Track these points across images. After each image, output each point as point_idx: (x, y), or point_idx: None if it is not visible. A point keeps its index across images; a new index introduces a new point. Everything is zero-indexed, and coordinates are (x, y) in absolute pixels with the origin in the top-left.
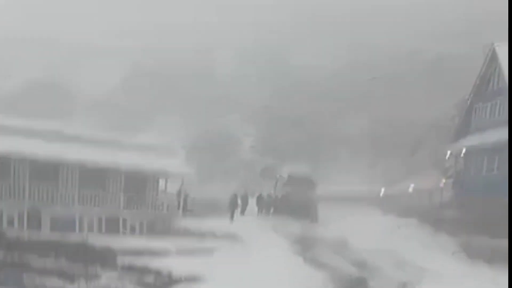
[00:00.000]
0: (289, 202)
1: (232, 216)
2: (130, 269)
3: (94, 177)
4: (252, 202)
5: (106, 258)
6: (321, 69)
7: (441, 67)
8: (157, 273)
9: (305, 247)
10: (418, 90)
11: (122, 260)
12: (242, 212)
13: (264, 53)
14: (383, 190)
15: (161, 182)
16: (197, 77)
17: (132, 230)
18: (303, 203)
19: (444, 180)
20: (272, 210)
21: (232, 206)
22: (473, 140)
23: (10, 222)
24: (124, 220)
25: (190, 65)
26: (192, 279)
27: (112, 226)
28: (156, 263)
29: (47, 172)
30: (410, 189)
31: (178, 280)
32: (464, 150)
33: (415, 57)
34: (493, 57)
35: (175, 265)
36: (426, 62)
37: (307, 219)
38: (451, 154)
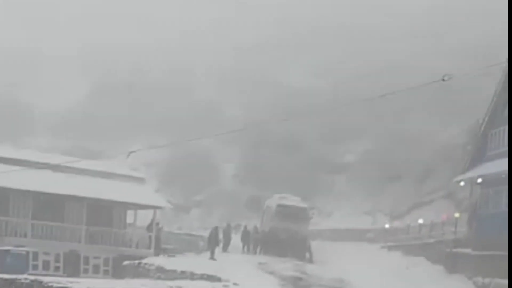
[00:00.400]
0: (278, 237)
1: (212, 254)
2: None
3: (51, 206)
4: (236, 238)
5: None
6: (313, 87)
7: (450, 87)
8: None
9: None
10: (426, 111)
11: None
12: (225, 248)
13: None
14: (387, 224)
15: (130, 214)
16: (173, 95)
17: (95, 269)
18: (295, 239)
19: (457, 214)
20: (259, 247)
21: (213, 242)
22: (490, 168)
23: None
24: (86, 258)
25: (165, 83)
26: None
27: (72, 264)
28: None
29: None
30: (419, 223)
31: None
32: (479, 180)
33: (423, 76)
34: (509, 77)
35: None
36: (435, 82)
37: (299, 258)
38: (464, 183)
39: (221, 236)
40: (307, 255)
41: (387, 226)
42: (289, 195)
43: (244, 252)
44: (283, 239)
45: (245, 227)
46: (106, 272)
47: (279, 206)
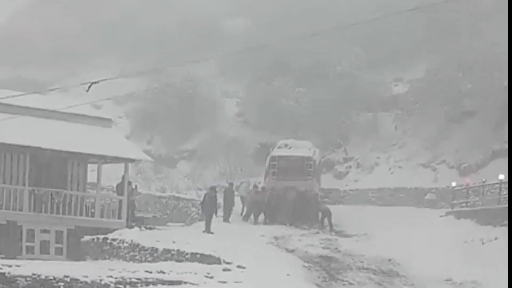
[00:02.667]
0: (281, 200)
1: (208, 225)
2: None
3: None
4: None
5: None
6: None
7: None
8: None
9: (334, 274)
10: (505, 24)
11: None
12: (226, 217)
13: None
14: (454, 181)
15: (92, 170)
16: (148, 5)
17: (44, 247)
18: (296, 200)
19: None
20: (262, 214)
21: (209, 208)
22: None
23: None
24: (30, 232)
25: None
26: None
27: (10, 240)
28: None
29: None
30: (500, 179)
31: None
32: None
33: None
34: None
35: None
36: None
37: (308, 226)
38: None
39: (220, 200)
40: (324, 222)
41: (454, 184)
42: (295, 140)
43: (246, 220)
44: (281, 200)
45: (230, 183)
46: (58, 251)
47: (272, 158)
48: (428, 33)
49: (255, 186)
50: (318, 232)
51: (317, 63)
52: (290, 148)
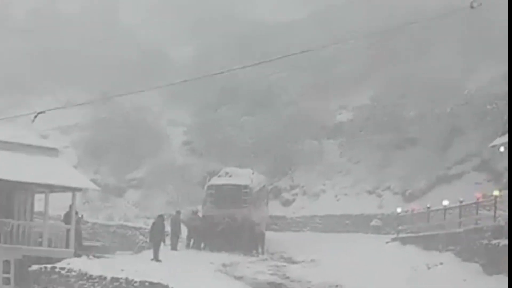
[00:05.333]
0: (219, 227)
1: (156, 253)
2: None
3: None
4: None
5: None
6: (290, 21)
7: (481, 17)
8: None
9: None
10: (448, 49)
11: None
12: (173, 245)
13: None
14: (399, 207)
15: (39, 199)
16: (96, 35)
17: None
18: (234, 227)
19: (497, 192)
20: (192, 239)
21: (157, 237)
22: None
23: None
24: None
25: (84, 18)
26: None
27: None
28: None
29: None
30: (443, 205)
31: None
32: None
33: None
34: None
35: None
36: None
37: (245, 252)
38: (505, 149)
39: (168, 228)
40: (259, 249)
41: (399, 210)
42: (236, 168)
43: (194, 248)
44: (219, 228)
45: (177, 212)
46: (6, 281)
47: (210, 186)
48: (373, 61)
49: (194, 213)
50: (266, 259)
51: (263, 90)
52: (230, 176)
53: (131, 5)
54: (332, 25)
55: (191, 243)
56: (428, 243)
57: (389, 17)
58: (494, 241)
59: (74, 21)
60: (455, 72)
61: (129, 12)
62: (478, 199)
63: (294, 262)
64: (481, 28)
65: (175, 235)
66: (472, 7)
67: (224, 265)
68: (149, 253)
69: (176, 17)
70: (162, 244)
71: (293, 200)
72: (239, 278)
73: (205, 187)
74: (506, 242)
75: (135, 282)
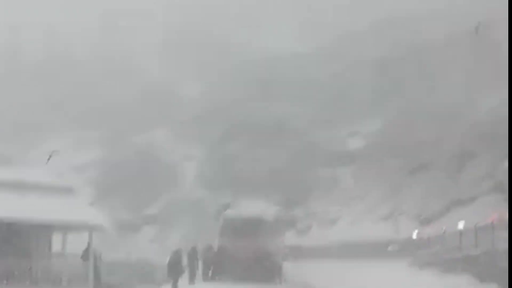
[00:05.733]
0: (236, 259)
1: (173, 287)
2: None
3: None
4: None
5: None
6: (299, 56)
7: (488, 41)
8: None
9: None
10: (458, 75)
11: None
12: (191, 280)
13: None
14: (415, 231)
15: (56, 238)
16: (107, 77)
17: None
18: (253, 259)
19: None
20: (210, 272)
21: (175, 272)
22: None
23: None
24: None
25: (96, 61)
26: None
27: None
28: None
29: None
30: (459, 228)
31: None
32: None
33: (448, 27)
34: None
35: None
36: (466, 31)
37: (266, 284)
38: None
39: (185, 262)
40: (276, 279)
41: (415, 234)
42: (250, 200)
43: (207, 280)
44: (235, 260)
45: (193, 247)
46: None
47: (226, 220)
48: (381, 88)
49: (209, 246)
50: None
51: (273, 122)
52: (244, 208)
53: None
54: (340, 55)
55: (208, 276)
56: (445, 266)
57: (398, 45)
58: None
59: (86, 65)
60: (464, 95)
61: (135, 53)
62: (493, 220)
63: None
64: (487, 51)
65: (192, 269)
66: (477, 32)
67: None
68: None
69: (182, 55)
70: (180, 279)
71: (309, 229)
72: None
73: (220, 220)
74: None
75: None
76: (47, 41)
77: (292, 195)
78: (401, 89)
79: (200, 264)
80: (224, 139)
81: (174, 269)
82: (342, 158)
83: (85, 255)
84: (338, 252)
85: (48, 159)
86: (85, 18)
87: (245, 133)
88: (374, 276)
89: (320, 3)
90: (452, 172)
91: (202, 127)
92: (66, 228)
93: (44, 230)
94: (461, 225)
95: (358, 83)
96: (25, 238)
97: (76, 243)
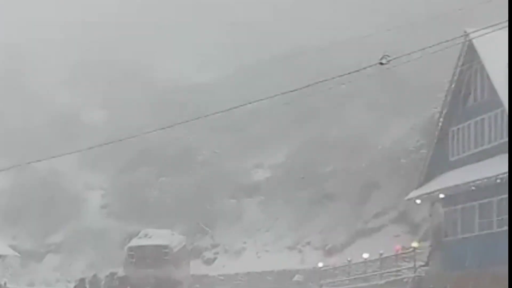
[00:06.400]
0: (130, 286)
1: None
2: None
3: None
4: None
5: None
6: (203, 82)
7: (392, 73)
8: None
9: None
10: (362, 106)
11: None
12: None
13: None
14: (321, 261)
15: None
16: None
17: None
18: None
19: (416, 244)
20: None
21: None
22: (454, 178)
23: None
24: None
25: None
26: None
27: None
28: None
29: None
30: (364, 258)
31: None
32: (441, 195)
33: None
34: (469, 53)
35: None
36: (370, 66)
37: None
38: (421, 201)
39: None
40: None
41: (320, 264)
42: (155, 229)
43: None
44: None
45: (94, 275)
46: None
47: (130, 248)
48: (289, 119)
49: (113, 275)
50: None
51: (179, 152)
52: (150, 237)
53: (37, 72)
54: (247, 84)
55: None
56: None
57: (304, 75)
58: None
59: None
60: (369, 128)
61: (37, 78)
62: (397, 251)
63: None
64: (393, 85)
65: None
66: (381, 63)
67: None
68: None
69: (88, 81)
70: None
71: (215, 259)
72: None
73: (125, 248)
74: None
75: None
76: None
77: (198, 225)
78: (308, 120)
79: None
80: (129, 168)
81: None
82: (247, 189)
83: None
84: (243, 282)
85: None
86: None
87: (151, 162)
88: None
89: (222, 36)
90: (356, 203)
91: (107, 156)
92: None
93: None
94: (365, 255)
95: (263, 114)
96: None
97: None
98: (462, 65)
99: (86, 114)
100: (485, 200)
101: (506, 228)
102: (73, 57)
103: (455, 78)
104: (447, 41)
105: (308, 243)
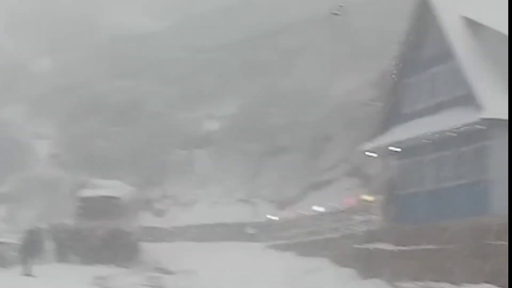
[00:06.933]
0: (90, 239)
1: (27, 268)
2: None
3: None
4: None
5: None
6: (152, 31)
7: (346, 25)
8: None
9: None
10: (314, 58)
11: None
12: (42, 259)
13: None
14: (273, 214)
15: None
16: None
17: None
18: (115, 239)
19: (368, 197)
20: (63, 252)
21: (28, 251)
22: (407, 131)
23: None
24: None
25: None
26: None
27: None
28: None
29: None
30: (316, 211)
31: None
32: (394, 148)
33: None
34: (423, 5)
35: None
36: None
37: (123, 264)
38: (374, 154)
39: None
40: (132, 260)
41: (272, 217)
42: (105, 180)
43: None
44: (90, 240)
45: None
46: None
47: (79, 199)
48: (238, 70)
49: (62, 226)
50: (140, 271)
51: (128, 102)
52: (100, 188)
53: None
54: (196, 35)
55: (61, 256)
56: (303, 249)
57: (254, 26)
58: (367, 246)
59: None
60: (322, 80)
61: None
62: (349, 204)
63: (169, 273)
64: (346, 37)
65: (41, 249)
66: (335, 14)
67: (98, 278)
68: (20, 269)
69: (33, 29)
70: (32, 258)
71: (166, 211)
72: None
73: (75, 199)
74: (379, 246)
75: None
76: None
77: (149, 176)
78: (258, 71)
79: (52, 244)
80: (78, 117)
81: (27, 248)
82: (198, 140)
83: None
84: (196, 234)
85: None
86: None
87: (102, 112)
88: (231, 258)
89: None
90: (309, 156)
91: (55, 105)
92: None
93: None
94: (318, 209)
95: (213, 65)
96: None
97: None
98: (417, 16)
99: (34, 62)
100: (438, 154)
101: (460, 182)
102: (15, 4)
103: (409, 29)
104: None
105: (260, 196)
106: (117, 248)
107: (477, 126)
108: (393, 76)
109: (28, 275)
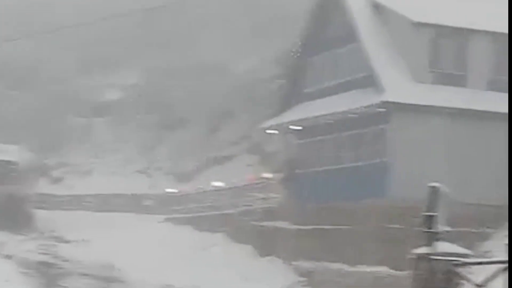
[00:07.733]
0: None
1: None
2: None
3: None
4: None
5: None
6: None
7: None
8: None
9: (54, 280)
10: (221, 33)
11: None
12: None
13: None
14: (171, 187)
15: None
16: None
17: None
18: (11, 205)
19: (268, 174)
20: None
21: None
22: (309, 110)
23: None
24: None
25: None
26: None
27: None
28: None
29: None
30: (215, 186)
31: None
32: (295, 127)
33: None
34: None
35: None
36: None
37: (15, 230)
38: (275, 132)
39: None
40: (27, 227)
41: (170, 190)
42: (1, 144)
43: None
44: None
45: None
46: None
47: None
48: (141, 40)
49: None
50: (36, 238)
51: (26, 66)
52: None
53: None
54: (101, 1)
55: None
56: (200, 224)
57: None
58: (265, 223)
59: None
60: (225, 55)
61: None
62: (249, 181)
63: (65, 241)
64: (251, 12)
65: None
66: None
67: None
68: None
69: None
70: None
71: (63, 178)
72: (9, 257)
73: None
74: (277, 224)
75: None
76: None
77: (47, 143)
78: (161, 42)
79: None
80: None
81: None
82: (97, 109)
83: None
84: (92, 203)
85: None
86: None
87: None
88: (128, 230)
89: None
90: (209, 130)
91: None
92: None
93: None
94: (217, 184)
95: (116, 34)
96: None
97: None
98: None
99: None
100: (337, 135)
101: (358, 164)
102: None
103: (314, 8)
104: None
105: (159, 168)
106: (12, 215)
107: (377, 108)
108: (296, 54)
109: None
